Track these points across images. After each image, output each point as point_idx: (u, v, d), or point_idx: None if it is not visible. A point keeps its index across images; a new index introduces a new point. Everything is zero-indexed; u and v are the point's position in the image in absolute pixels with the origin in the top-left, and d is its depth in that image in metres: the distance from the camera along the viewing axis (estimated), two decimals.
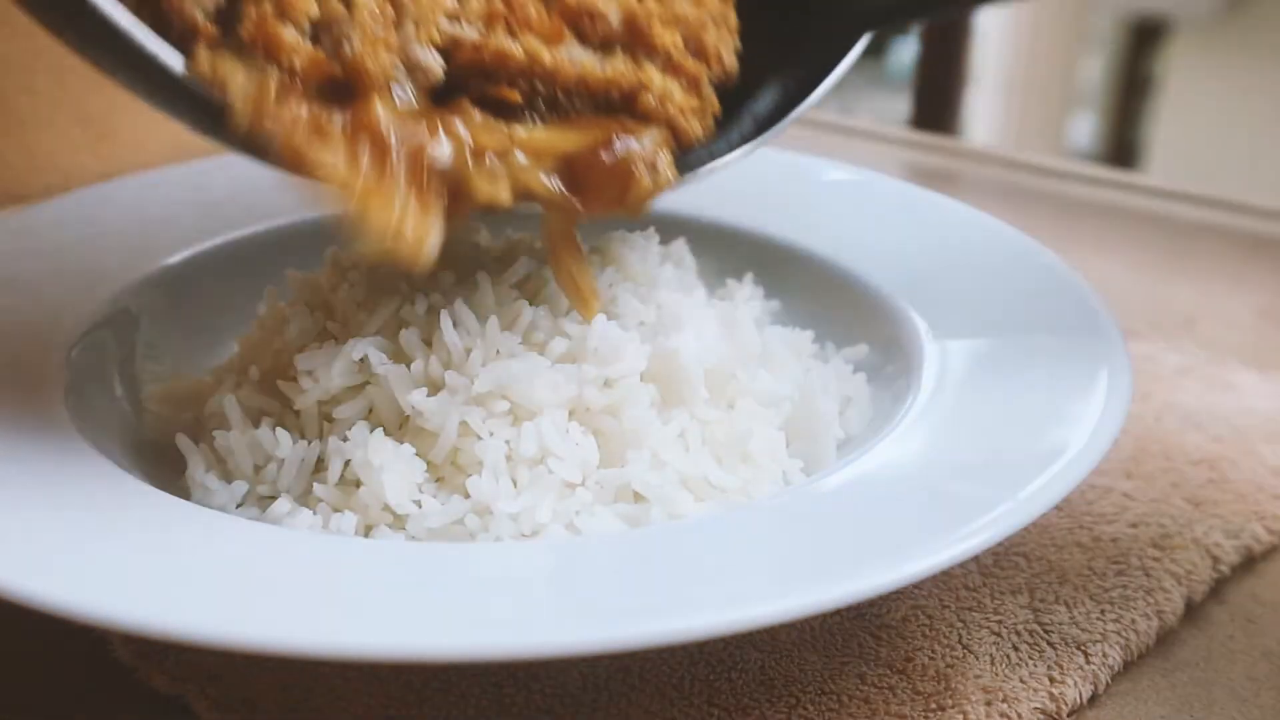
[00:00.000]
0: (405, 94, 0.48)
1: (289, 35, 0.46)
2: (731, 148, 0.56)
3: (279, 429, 0.51)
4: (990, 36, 2.49)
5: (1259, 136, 2.35)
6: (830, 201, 0.72)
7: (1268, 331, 0.80)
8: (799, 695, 0.46)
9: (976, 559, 0.53)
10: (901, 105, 1.76)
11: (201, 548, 0.42)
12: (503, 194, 0.49)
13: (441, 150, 0.48)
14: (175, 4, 0.46)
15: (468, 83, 0.50)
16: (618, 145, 0.50)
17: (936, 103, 1.67)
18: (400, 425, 0.52)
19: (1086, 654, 0.48)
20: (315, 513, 0.49)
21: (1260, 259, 0.92)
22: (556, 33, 0.51)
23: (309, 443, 0.51)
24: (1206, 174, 2.27)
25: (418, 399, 0.50)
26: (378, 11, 0.48)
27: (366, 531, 0.49)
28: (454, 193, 0.49)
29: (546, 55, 0.50)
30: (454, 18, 0.50)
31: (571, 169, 0.50)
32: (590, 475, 0.50)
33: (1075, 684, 0.46)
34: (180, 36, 0.46)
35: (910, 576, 0.40)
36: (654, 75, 0.52)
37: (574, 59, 0.51)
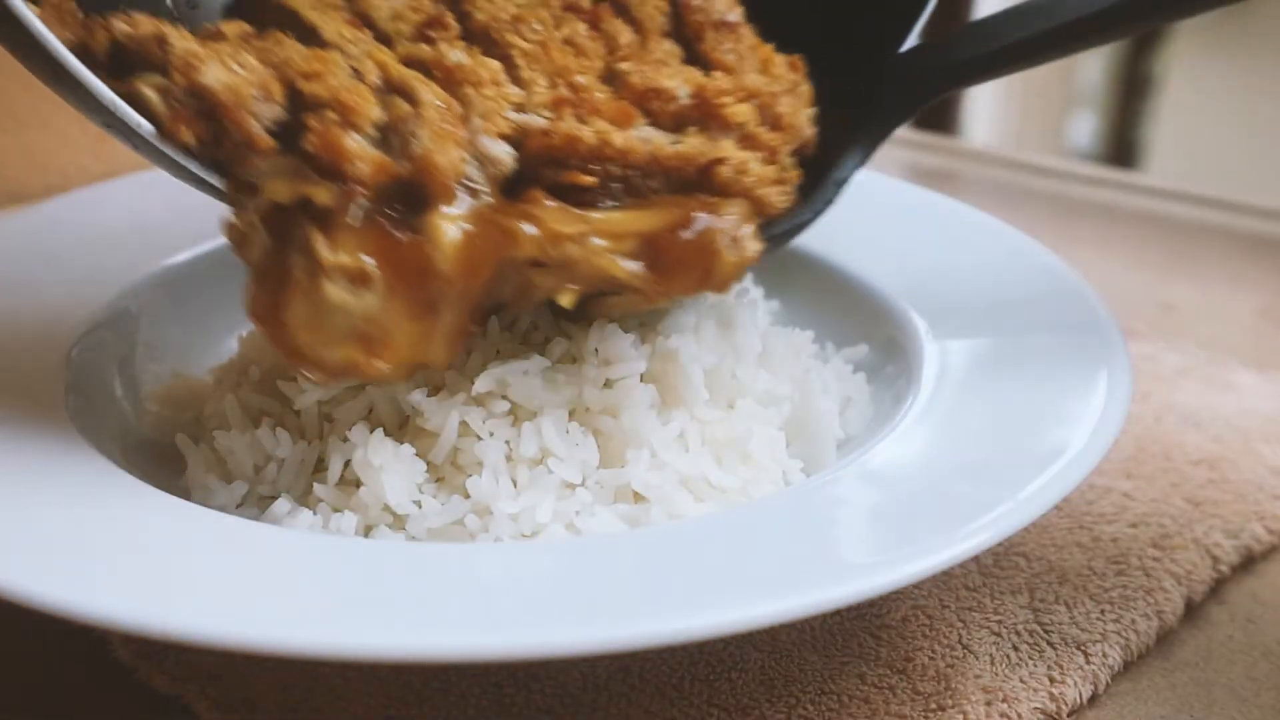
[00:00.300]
0: (477, 183, 0.47)
1: (353, 144, 0.45)
2: (816, 214, 0.55)
3: (279, 429, 0.51)
4: None
5: (1259, 136, 2.35)
6: None
7: (1268, 331, 0.80)
8: (799, 695, 0.46)
9: (976, 559, 0.53)
10: None
11: (201, 548, 0.42)
12: (566, 298, 0.49)
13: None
14: (234, 116, 0.45)
15: (539, 171, 0.49)
16: (698, 222, 0.49)
17: (937, 103, 1.67)
18: (400, 425, 0.52)
19: (1086, 654, 0.48)
20: (315, 513, 0.49)
21: (1260, 259, 0.92)
22: (626, 115, 0.50)
23: (309, 443, 0.51)
24: (1206, 174, 2.27)
25: (418, 399, 0.50)
26: (444, 107, 0.47)
27: (366, 531, 0.49)
28: (520, 291, 0.49)
29: (617, 136, 0.49)
30: (521, 107, 0.49)
31: (652, 249, 0.49)
32: (590, 475, 0.50)
33: (1075, 684, 0.46)
34: (237, 148, 0.45)
35: (910, 576, 0.40)
36: (729, 148, 0.51)
37: (645, 138, 0.50)
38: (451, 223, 0.46)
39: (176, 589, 0.39)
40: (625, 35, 0.53)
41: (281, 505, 0.49)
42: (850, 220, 0.69)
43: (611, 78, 0.52)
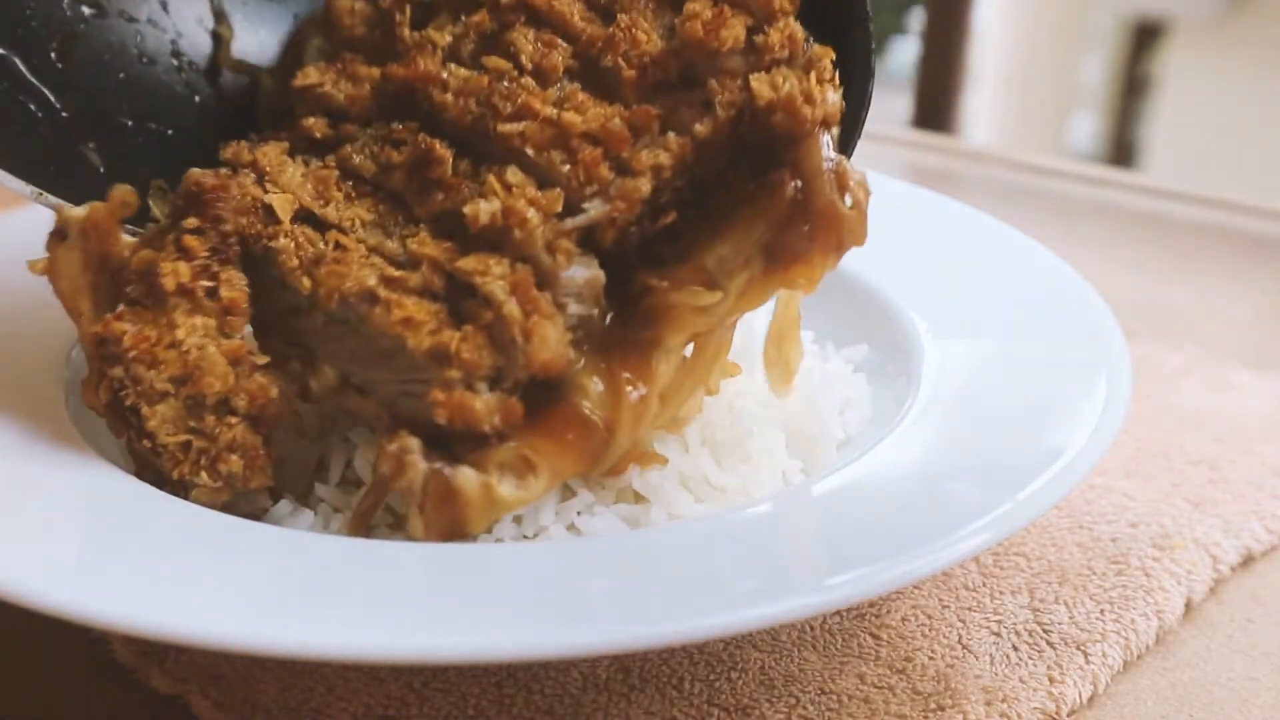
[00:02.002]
0: (585, 313, 0.45)
1: (481, 404, 0.43)
2: (872, 74, 0.50)
3: (279, 429, 0.51)
4: (990, 36, 2.49)
5: (1259, 136, 2.35)
6: None
7: (1268, 331, 0.80)
8: (799, 695, 0.46)
9: (976, 559, 0.53)
10: (901, 105, 1.76)
11: (201, 548, 0.42)
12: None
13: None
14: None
15: (627, 236, 0.47)
16: (798, 198, 0.45)
17: (936, 103, 1.67)
18: None
19: (1086, 654, 0.48)
20: (315, 513, 0.49)
21: (1260, 259, 0.92)
22: (646, 118, 0.46)
23: (309, 443, 0.51)
24: (1206, 174, 2.27)
25: None
26: (514, 281, 0.44)
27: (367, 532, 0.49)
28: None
29: (663, 155, 0.46)
30: (572, 204, 0.45)
31: (774, 249, 0.46)
32: (591, 475, 0.50)
33: (1075, 684, 0.46)
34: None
35: (910, 576, 0.40)
36: (762, 87, 0.46)
37: (681, 123, 0.46)
38: (589, 378, 0.45)
39: (176, 589, 0.39)
40: (573, 11, 0.49)
41: (281, 505, 0.49)
42: None
43: (596, 73, 0.48)
